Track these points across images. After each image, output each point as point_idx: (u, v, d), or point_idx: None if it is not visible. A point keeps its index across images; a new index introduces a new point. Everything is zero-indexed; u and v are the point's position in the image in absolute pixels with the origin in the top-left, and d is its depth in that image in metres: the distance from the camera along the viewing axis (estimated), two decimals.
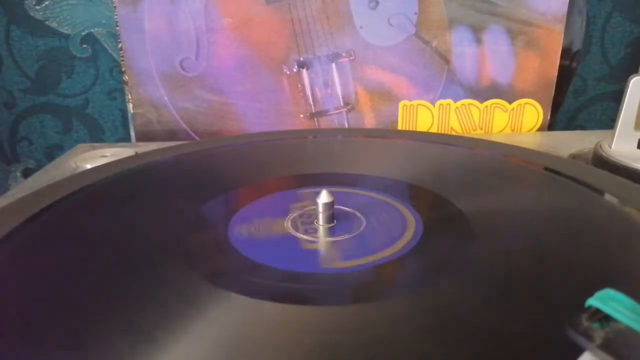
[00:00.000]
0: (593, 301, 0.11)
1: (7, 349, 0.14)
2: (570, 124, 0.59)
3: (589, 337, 0.10)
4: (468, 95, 0.43)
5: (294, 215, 0.24)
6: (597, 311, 0.10)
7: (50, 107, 0.54)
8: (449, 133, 0.44)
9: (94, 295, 0.17)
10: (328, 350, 0.14)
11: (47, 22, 0.50)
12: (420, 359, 0.14)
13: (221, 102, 0.43)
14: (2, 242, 0.20)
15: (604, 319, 0.10)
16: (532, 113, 0.43)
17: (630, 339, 0.10)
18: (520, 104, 0.43)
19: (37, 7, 0.50)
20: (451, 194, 0.25)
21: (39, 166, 0.55)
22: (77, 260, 0.20)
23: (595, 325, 0.10)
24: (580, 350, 0.10)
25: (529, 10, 0.41)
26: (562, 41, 0.42)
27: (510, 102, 0.43)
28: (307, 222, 0.23)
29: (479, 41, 0.42)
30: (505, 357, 0.14)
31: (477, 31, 0.42)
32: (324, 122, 0.44)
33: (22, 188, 0.31)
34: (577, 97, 0.57)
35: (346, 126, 0.44)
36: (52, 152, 0.56)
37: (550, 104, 0.43)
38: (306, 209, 0.24)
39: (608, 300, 0.11)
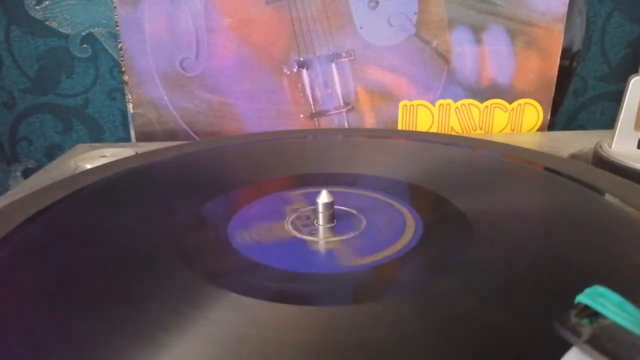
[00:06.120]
0: (582, 298, 0.11)
1: (7, 349, 0.14)
2: (570, 124, 0.59)
3: (577, 333, 0.10)
4: (468, 95, 0.43)
5: (294, 215, 0.24)
6: (586, 308, 0.11)
7: (50, 107, 0.54)
8: (449, 133, 0.44)
9: (93, 295, 0.17)
10: (328, 350, 0.14)
11: (47, 22, 0.50)
12: (420, 359, 0.14)
13: (221, 102, 0.43)
14: (2, 242, 0.20)
15: (593, 315, 0.10)
16: (532, 113, 0.43)
17: (616, 335, 0.10)
18: (520, 104, 0.43)
19: (37, 7, 0.50)
20: (451, 194, 0.25)
21: (39, 166, 0.55)
22: (77, 260, 0.20)
23: (584, 322, 0.10)
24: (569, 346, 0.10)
25: (529, 10, 0.41)
26: (562, 41, 0.42)
27: (510, 102, 0.43)
28: (307, 222, 0.23)
29: (479, 41, 0.42)
30: (505, 357, 0.14)
31: (477, 31, 0.42)
32: (324, 122, 0.44)
33: (22, 188, 0.31)
34: (577, 97, 0.57)
35: (346, 126, 0.44)
36: (52, 152, 0.56)
37: (550, 104, 0.43)
38: (306, 209, 0.24)
39: (596, 297, 0.11)
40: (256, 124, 0.44)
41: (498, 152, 0.31)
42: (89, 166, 0.34)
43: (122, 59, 0.42)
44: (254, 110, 0.43)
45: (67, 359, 0.14)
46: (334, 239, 0.21)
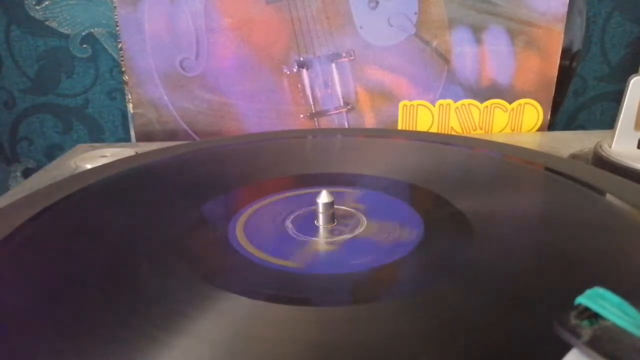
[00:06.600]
0: (582, 299, 0.11)
1: (7, 349, 0.14)
2: (570, 124, 0.59)
3: (577, 334, 0.10)
4: (468, 95, 0.43)
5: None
6: (586, 309, 0.11)
7: (50, 107, 0.54)
8: (449, 133, 0.44)
9: (93, 295, 0.17)
10: (327, 350, 0.14)
11: (47, 22, 0.50)
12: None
13: (221, 102, 0.43)
14: (2, 242, 0.20)
15: (593, 316, 0.10)
16: (532, 113, 0.43)
17: (616, 336, 0.10)
18: (520, 104, 0.43)
19: (37, 7, 0.50)
20: (451, 194, 0.25)
21: (39, 166, 0.55)
22: (77, 260, 0.20)
23: (584, 323, 0.10)
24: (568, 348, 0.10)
25: (529, 10, 0.41)
26: (562, 41, 0.42)
27: (510, 102, 0.43)
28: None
29: (479, 41, 0.42)
30: (505, 357, 0.14)
31: (477, 31, 0.42)
32: (324, 122, 0.44)
33: (22, 188, 0.31)
34: (577, 97, 0.57)
35: (346, 126, 0.44)
36: (52, 152, 0.56)
37: (550, 104, 0.43)
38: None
39: (597, 299, 0.11)
40: (256, 124, 0.44)
41: (498, 152, 0.31)
42: (89, 166, 0.34)
43: (122, 59, 0.42)
44: (254, 110, 0.43)
45: (67, 359, 0.14)
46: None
